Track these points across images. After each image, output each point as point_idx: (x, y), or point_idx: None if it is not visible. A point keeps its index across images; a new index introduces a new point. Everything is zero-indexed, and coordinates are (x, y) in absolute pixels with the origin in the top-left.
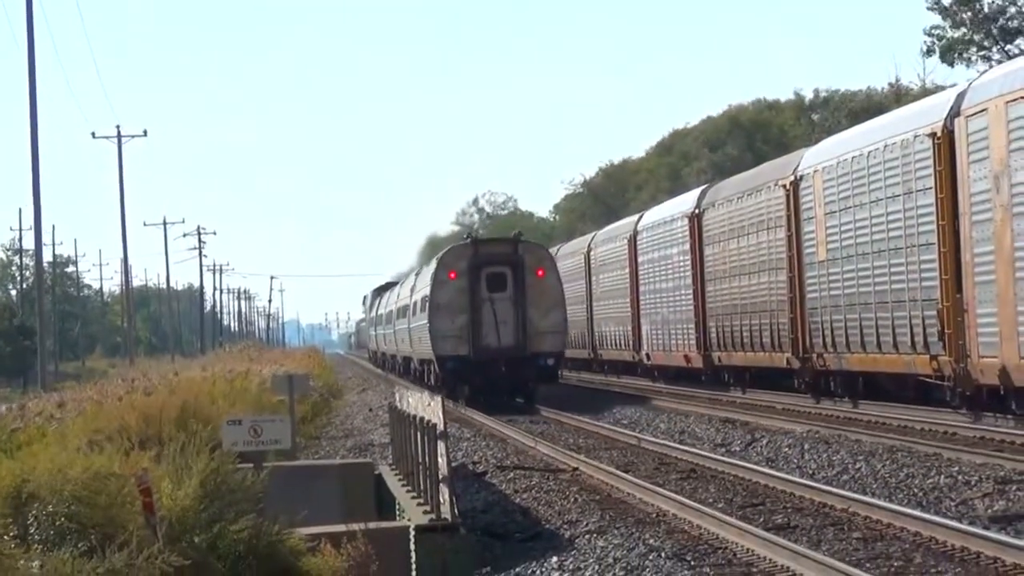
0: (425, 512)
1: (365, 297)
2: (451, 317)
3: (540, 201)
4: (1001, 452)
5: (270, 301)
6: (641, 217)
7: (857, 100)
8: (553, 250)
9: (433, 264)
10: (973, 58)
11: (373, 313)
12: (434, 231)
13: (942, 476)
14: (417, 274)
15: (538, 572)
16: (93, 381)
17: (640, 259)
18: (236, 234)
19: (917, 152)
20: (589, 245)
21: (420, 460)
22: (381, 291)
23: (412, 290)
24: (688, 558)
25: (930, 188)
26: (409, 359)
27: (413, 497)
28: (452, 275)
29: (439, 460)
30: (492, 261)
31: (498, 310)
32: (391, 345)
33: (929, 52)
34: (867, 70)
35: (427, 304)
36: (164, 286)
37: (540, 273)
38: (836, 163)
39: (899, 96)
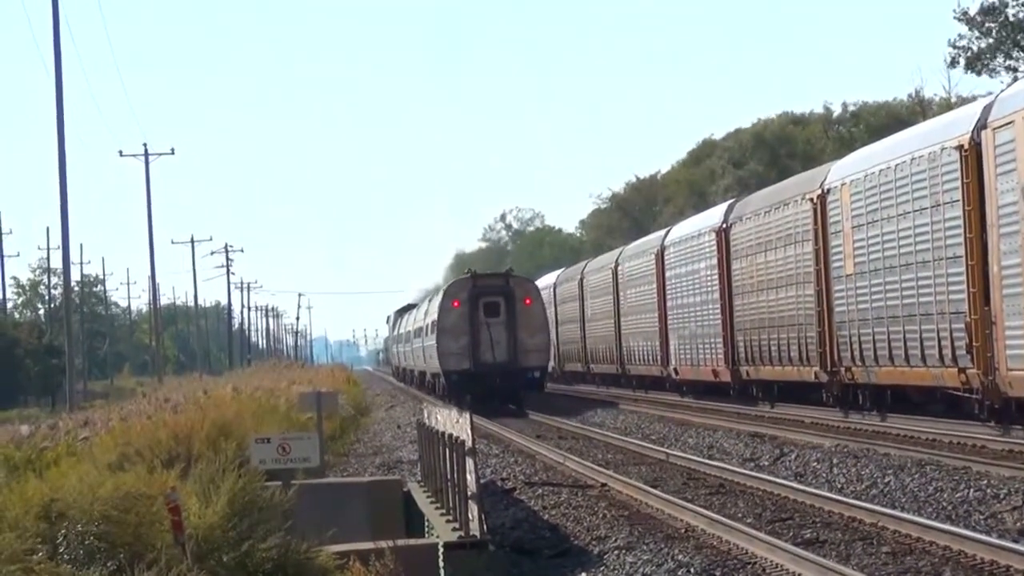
0: (454, 529)
1: (388, 317)
2: (455, 338)
3: (568, 216)
4: None
5: (298, 318)
6: (668, 232)
7: (879, 114)
8: (581, 265)
9: (440, 295)
10: (998, 68)
11: (395, 332)
12: (461, 247)
13: (971, 489)
14: (429, 301)
15: None
16: (121, 400)
17: (667, 274)
18: (264, 252)
19: (944, 165)
20: (617, 260)
21: (449, 477)
22: (402, 312)
23: (425, 315)
24: (717, 573)
25: (957, 201)
26: (424, 373)
27: (442, 514)
28: (455, 303)
29: (468, 477)
30: (488, 292)
31: (493, 332)
32: (409, 361)
33: (954, 63)
34: (894, 82)
35: (435, 327)
36: (192, 304)
37: (527, 302)
38: (863, 176)
39: (923, 108)
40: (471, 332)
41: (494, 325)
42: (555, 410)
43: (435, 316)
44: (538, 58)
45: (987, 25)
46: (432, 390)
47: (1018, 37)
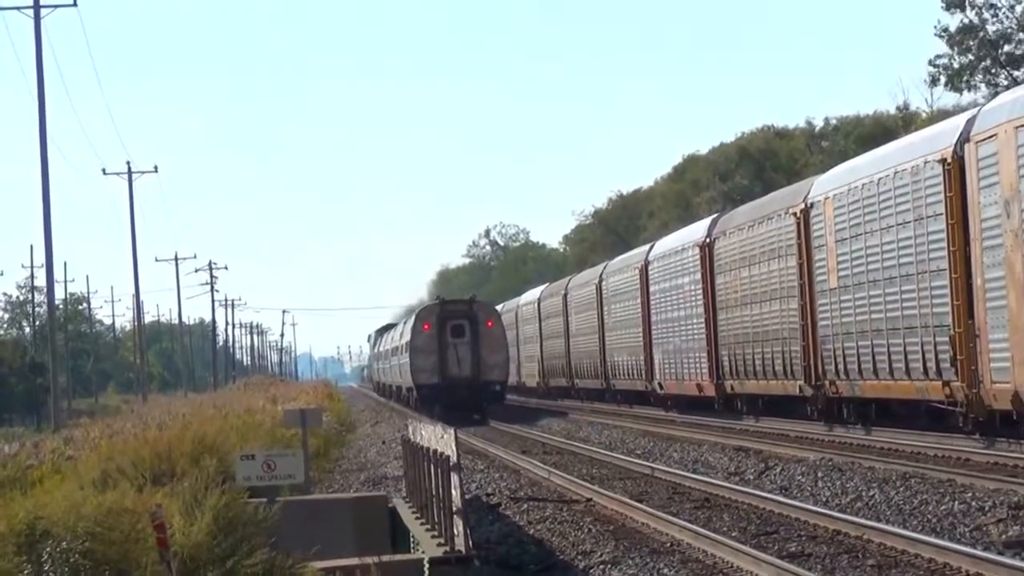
0: (439, 544)
1: (370, 336)
2: (425, 356)
3: (552, 232)
4: (1015, 477)
5: (282, 335)
6: (652, 247)
7: (865, 125)
8: (565, 281)
9: (412, 319)
10: (979, 84)
11: (375, 350)
12: (445, 263)
13: (956, 502)
14: (404, 324)
15: None
16: (106, 418)
17: (652, 288)
18: (248, 268)
19: (927, 178)
20: (601, 275)
21: (434, 492)
22: (382, 332)
23: (400, 335)
24: None
25: (941, 214)
26: (400, 387)
27: (427, 530)
28: (426, 326)
29: (453, 492)
30: (454, 316)
31: (459, 351)
32: (388, 377)
33: (935, 81)
34: (875, 94)
35: (408, 347)
36: (176, 321)
37: (489, 324)
38: (847, 190)
39: (907, 121)
40: (439, 351)
41: (460, 345)
42: (538, 426)
43: (408, 337)
44: (522, 74)
45: (967, 43)
46: (407, 403)
47: (997, 53)
